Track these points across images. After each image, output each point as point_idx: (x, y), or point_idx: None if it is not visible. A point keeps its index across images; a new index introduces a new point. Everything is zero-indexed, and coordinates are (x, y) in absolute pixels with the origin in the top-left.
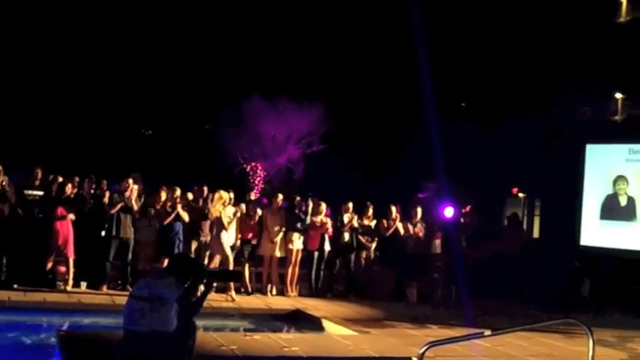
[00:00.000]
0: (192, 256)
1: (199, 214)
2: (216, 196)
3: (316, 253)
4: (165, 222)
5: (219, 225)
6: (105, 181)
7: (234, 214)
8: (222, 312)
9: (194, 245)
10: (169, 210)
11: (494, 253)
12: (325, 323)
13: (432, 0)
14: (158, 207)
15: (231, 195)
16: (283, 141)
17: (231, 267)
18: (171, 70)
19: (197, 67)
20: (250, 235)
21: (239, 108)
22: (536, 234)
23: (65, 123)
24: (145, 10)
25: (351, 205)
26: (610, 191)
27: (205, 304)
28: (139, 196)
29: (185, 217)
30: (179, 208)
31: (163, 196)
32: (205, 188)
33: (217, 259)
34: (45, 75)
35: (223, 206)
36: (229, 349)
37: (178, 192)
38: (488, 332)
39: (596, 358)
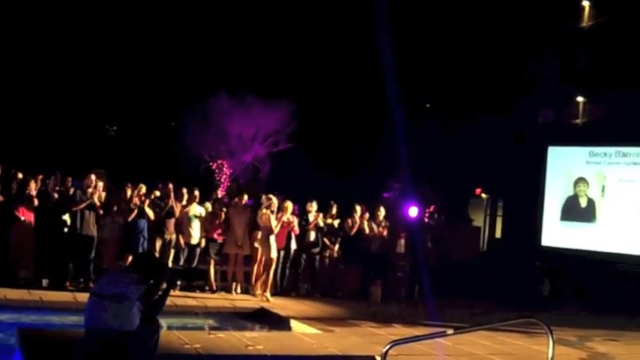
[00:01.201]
0: (157, 253)
1: (164, 212)
2: (266, 200)
3: (282, 252)
4: (130, 219)
5: (266, 228)
6: (70, 179)
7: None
8: (186, 310)
9: (158, 243)
10: (133, 207)
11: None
12: (290, 322)
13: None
14: (122, 204)
15: (197, 193)
16: (250, 139)
17: (272, 269)
18: (137, 66)
19: (163, 63)
20: (216, 234)
21: (205, 105)
22: (498, 234)
23: (28, 119)
24: (110, 6)
25: (315, 204)
26: (571, 193)
27: (170, 302)
28: (103, 192)
29: (150, 214)
30: (145, 205)
31: (128, 193)
32: (171, 186)
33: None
34: (6, 71)
35: (271, 211)
36: (193, 348)
37: (144, 189)
38: (450, 331)
39: (556, 357)
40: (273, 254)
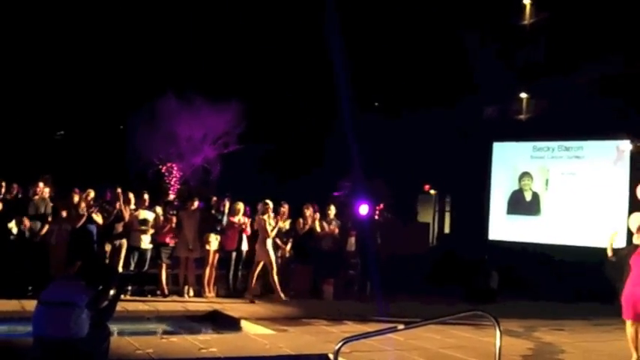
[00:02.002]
0: (107, 259)
1: (113, 216)
2: (262, 206)
3: (234, 254)
4: (78, 225)
5: (263, 232)
6: (16, 185)
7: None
8: (138, 316)
9: (108, 248)
10: (82, 213)
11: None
12: (243, 323)
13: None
14: (70, 210)
15: (146, 197)
16: (199, 141)
17: (274, 271)
18: (83, 69)
19: (110, 66)
20: (167, 238)
21: (153, 107)
22: (447, 230)
23: None
24: (55, 6)
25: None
26: (516, 187)
27: (121, 307)
28: (50, 198)
29: (98, 220)
30: (92, 211)
31: (76, 198)
32: (119, 190)
33: (261, 265)
34: None
35: (268, 215)
36: (145, 353)
37: (92, 194)
38: (401, 326)
39: (504, 348)
40: (272, 257)
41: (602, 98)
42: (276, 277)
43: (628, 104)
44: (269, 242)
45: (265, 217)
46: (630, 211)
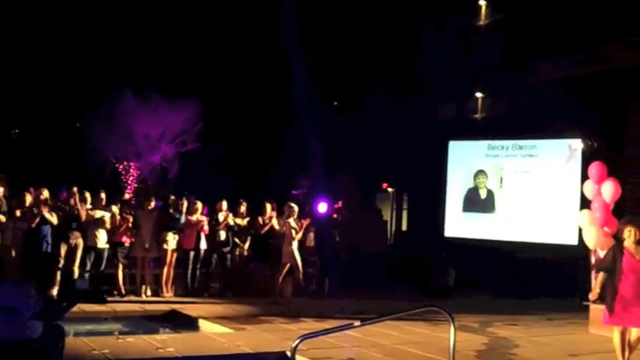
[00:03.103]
0: (62, 259)
1: (69, 216)
2: (287, 209)
3: (192, 253)
4: (32, 225)
5: (289, 236)
6: None
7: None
8: (94, 316)
9: (64, 249)
10: (36, 212)
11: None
12: (201, 322)
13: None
14: (25, 209)
15: (102, 195)
16: (157, 139)
17: (300, 273)
18: (39, 66)
19: (67, 63)
20: (124, 238)
21: (111, 106)
22: (404, 227)
23: None
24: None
25: (225, 203)
26: (471, 185)
27: (77, 308)
28: (4, 198)
29: (53, 219)
30: (45, 210)
31: (29, 198)
32: (75, 189)
33: (287, 267)
34: None
35: (293, 218)
36: (101, 354)
37: (46, 193)
38: (357, 323)
39: (460, 343)
40: (298, 260)
41: (555, 98)
42: (301, 278)
43: (580, 104)
44: (294, 245)
45: (290, 220)
46: (581, 208)
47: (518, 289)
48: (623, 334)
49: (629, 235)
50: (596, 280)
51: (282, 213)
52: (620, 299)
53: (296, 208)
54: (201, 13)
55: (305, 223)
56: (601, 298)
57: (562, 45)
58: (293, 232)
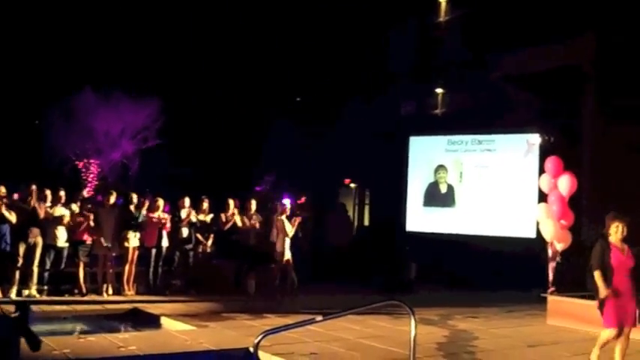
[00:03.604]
0: (21, 259)
1: (27, 214)
2: (280, 206)
3: (154, 250)
4: None
5: (282, 233)
6: None
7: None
8: (54, 316)
9: (22, 248)
10: None
11: (327, 241)
12: (163, 320)
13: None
14: None
15: (62, 193)
16: (118, 136)
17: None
18: None
19: (25, 59)
20: (85, 236)
21: (70, 102)
22: (367, 222)
23: None
24: None
25: (187, 200)
26: (432, 179)
27: (36, 307)
28: None
29: (12, 218)
30: (3, 208)
31: None
32: (34, 187)
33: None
34: None
35: (285, 215)
36: (62, 353)
37: (3, 191)
38: (319, 318)
39: (420, 336)
40: (288, 256)
41: (513, 93)
42: (294, 275)
43: (538, 99)
44: (287, 242)
45: (283, 217)
46: (539, 202)
47: (478, 282)
48: (619, 333)
49: (615, 231)
50: (598, 279)
51: (244, 209)
52: (612, 298)
53: (288, 205)
54: (161, 9)
55: (298, 220)
56: (592, 297)
57: (520, 41)
58: (288, 228)
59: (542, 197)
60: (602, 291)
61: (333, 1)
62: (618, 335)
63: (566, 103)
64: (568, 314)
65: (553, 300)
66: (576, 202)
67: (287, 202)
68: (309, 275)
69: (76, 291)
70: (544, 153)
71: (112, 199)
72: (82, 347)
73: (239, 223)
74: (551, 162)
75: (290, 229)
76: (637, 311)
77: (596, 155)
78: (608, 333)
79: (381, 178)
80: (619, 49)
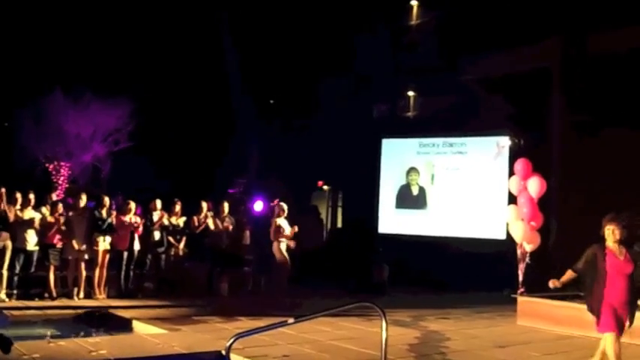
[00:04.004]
0: None
1: None
2: (278, 207)
3: (126, 253)
4: None
5: (277, 233)
6: None
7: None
8: (24, 320)
9: None
10: None
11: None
12: (135, 324)
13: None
14: None
15: (31, 196)
16: (89, 138)
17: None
18: None
19: None
20: (55, 239)
21: (40, 104)
22: (340, 224)
23: None
24: None
25: (159, 202)
26: (403, 182)
27: (6, 312)
28: None
29: None
30: None
31: None
32: (3, 190)
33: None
34: None
35: (283, 217)
36: (31, 358)
37: None
38: (291, 320)
39: (392, 337)
40: (280, 257)
41: (484, 96)
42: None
43: (507, 102)
44: (283, 244)
45: (280, 219)
46: (509, 204)
47: (449, 283)
48: (618, 341)
49: (609, 234)
50: (565, 276)
51: (218, 212)
52: (607, 305)
53: (286, 207)
54: (132, 10)
55: (295, 228)
56: (590, 308)
57: (490, 45)
58: (286, 230)
59: (512, 199)
60: (553, 283)
61: (303, 3)
62: (618, 343)
63: (536, 105)
64: (538, 315)
65: (523, 301)
66: (546, 203)
67: (260, 204)
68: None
69: (46, 295)
70: (514, 155)
71: (83, 201)
72: (53, 352)
73: (211, 226)
74: (520, 164)
75: (289, 231)
76: (627, 320)
77: (565, 157)
78: (610, 338)
79: (354, 180)
80: (585, 51)
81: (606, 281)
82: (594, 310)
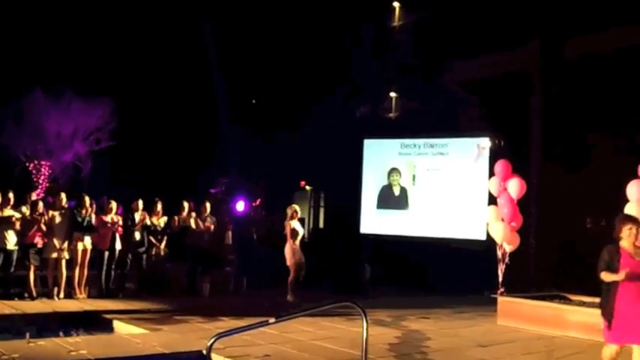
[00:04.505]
0: None
1: None
2: (290, 210)
3: (106, 253)
4: None
5: (293, 236)
6: None
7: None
8: (3, 319)
9: None
10: None
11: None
12: (115, 324)
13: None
14: None
15: (11, 195)
16: (69, 137)
17: (300, 274)
18: None
19: None
20: (36, 239)
21: (20, 103)
22: (322, 224)
23: None
24: None
25: (141, 202)
26: (385, 182)
27: None
28: None
29: None
30: None
31: None
32: None
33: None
34: None
35: (296, 219)
36: (10, 358)
37: None
38: (272, 320)
39: (373, 337)
40: (298, 259)
41: (465, 98)
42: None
43: (488, 104)
44: (294, 246)
45: (292, 222)
46: (489, 204)
47: (430, 283)
48: (618, 351)
49: (629, 234)
50: (607, 276)
51: (199, 212)
52: (619, 310)
53: (298, 209)
54: (114, 10)
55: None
56: (603, 311)
57: (472, 48)
58: (300, 232)
59: (492, 200)
60: (620, 275)
61: (285, 4)
62: (617, 354)
63: (515, 107)
64: (518, 315)
65: (503, 301)
66: (525, 204)
67: (242, 204)
68: (264, 277)
69: (26, 295)
70: (494, 156)
71: (63, 200)
72: (32, 352)
73: (193, 226)
74: (500, 165)
75: (302, 231)
76: None
77: (545, 158)
78: (609, 350)
79: (336, 180)
80: (562, 55)
81: (619, 285)
82: (606, 314)
